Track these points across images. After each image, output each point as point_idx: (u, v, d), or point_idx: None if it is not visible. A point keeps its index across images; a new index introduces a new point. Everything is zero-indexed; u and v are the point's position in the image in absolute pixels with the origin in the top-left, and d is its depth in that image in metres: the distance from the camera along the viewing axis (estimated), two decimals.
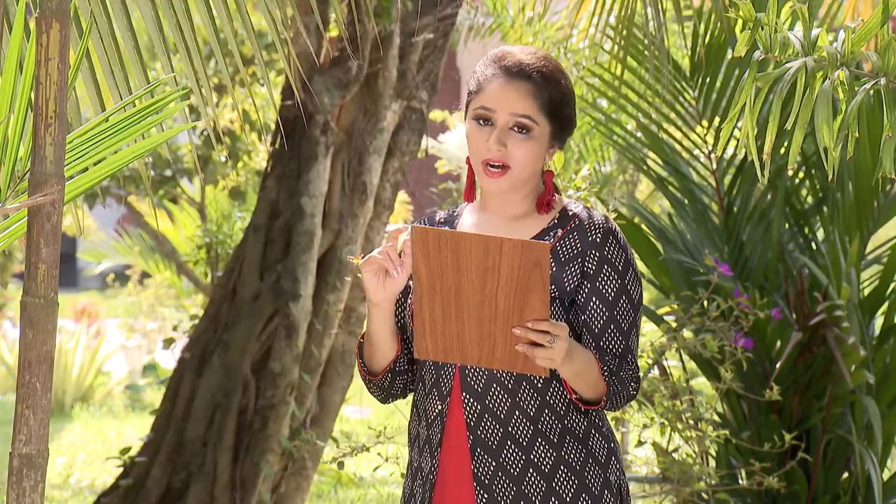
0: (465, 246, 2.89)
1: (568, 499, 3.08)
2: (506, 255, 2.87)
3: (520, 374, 3.07)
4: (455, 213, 3.29)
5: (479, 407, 3.10)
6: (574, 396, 3.09)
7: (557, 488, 3.09)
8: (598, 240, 3.12)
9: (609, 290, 3.11)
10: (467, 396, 3.11)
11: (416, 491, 3.19)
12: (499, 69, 3.14)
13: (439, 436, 3.13)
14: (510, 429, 3.10)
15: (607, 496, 3.12)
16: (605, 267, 3.11)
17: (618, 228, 3.16)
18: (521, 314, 2.91)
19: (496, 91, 3.12)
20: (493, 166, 3.10)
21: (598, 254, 3.12)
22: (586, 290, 3.12)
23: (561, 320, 3.10)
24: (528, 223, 3.18)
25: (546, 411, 3.10)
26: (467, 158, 3.22)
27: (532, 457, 3.09)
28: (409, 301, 3.19)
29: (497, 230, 3.16)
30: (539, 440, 3.10)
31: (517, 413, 3.09)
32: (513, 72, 3.13)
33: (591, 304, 3.11)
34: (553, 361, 2.93)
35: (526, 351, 2.91)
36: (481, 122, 3.12)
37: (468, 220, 3.24)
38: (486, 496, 3.09)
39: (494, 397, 3.10)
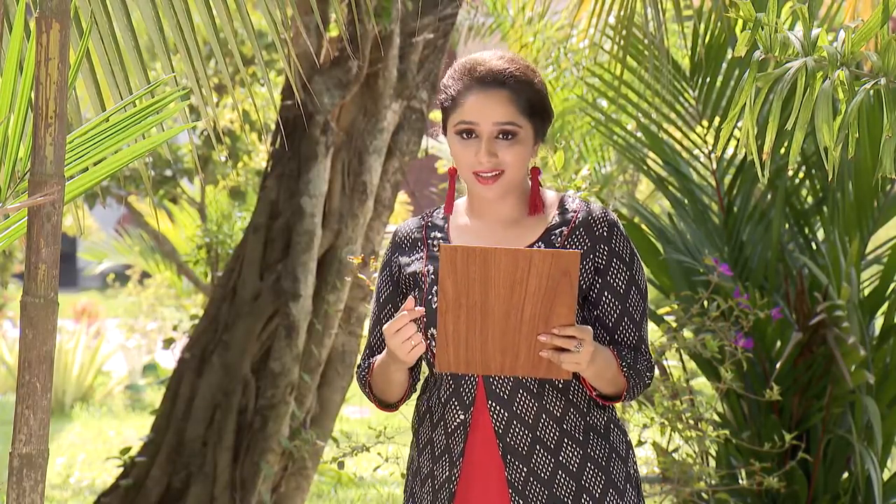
0: (493, 261, 2.88)
1: (597, 494, 3.09)
2: (535, 267, 2.87)
3: (543, 377, 3.07)
4: (442, 217, 3.25)
5: (506, 414, 3.10)
6: (594, 394, 3.10)
7: (587, 485, 3.10)
8: (604, 233, 3.13)
9: (620, 283, 3.12)
10: (494, 405, 3.10)
11: (426, 497, 3.18)
12: (472, 81, 3.11)
13: (462, 445, 3.12)
14: (538, 433, 3.10)
15: (629, 489, 3.14)
16: (615, 260, 3.12)
17: (618, 219, 3.17)
18: (546, 321, 2.90)
19: (474, 104, 3.10)
20: (484, 175, 3.10)
21: (606, 248, 3.12)
22: (598, 284, 3.12)
23: (580, 320, 3.10)
24: (530, 225, 3.17)
25: (571, 411, 3.11)
26: (450, 169, 3.21)
27: (560, 458, 3.10)
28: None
29: (496, 235, 3.15)
30: (566, 441, 3.10)
31: (544, 416, 3.10)
32: (487, 81, 3.10)
33: (604, 298, 3.12)
34: (579, 365, 2.94)
35: (552, 357, 2.92)
36: (464, 135, 3.11)
37: (461, 223, 3.21)
38: (521, 502, 3.09)
39: (521, 403, 3.10)
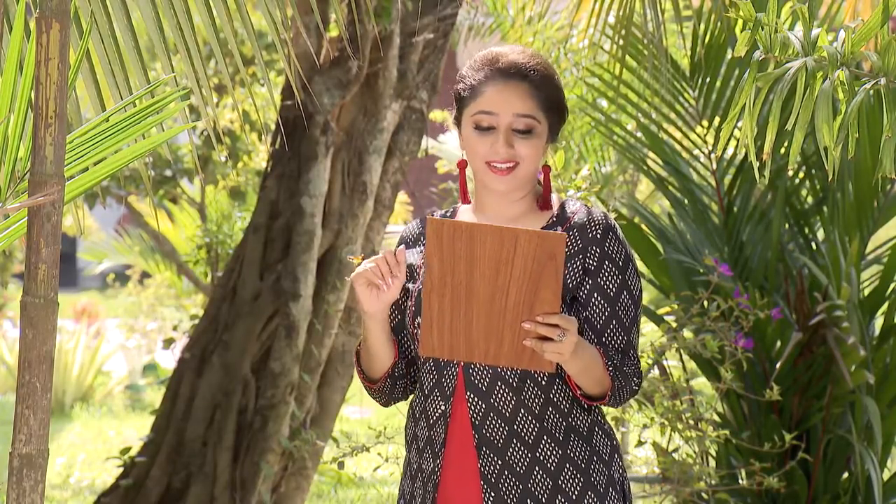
0: (479, 237, 2.87)
1: (574, 497, 3.09)
2: (521, 247, 2.86)
3: (524, 371, 3.07)
4: (450, 216, 3.28)
5: (483, 406, 3.10)
6: (578, 393, 3.09)
7: (563, 486, 3.09)
8: (598, 236, 3.13)
9: (610, 286, 3.12)
10: (472, 396, 3.11)
11: (417, 493, 3.19)
12: (493, 71, 3.13)
13: (443, 436, 3.13)
14: (515, 427, 3.10)
15: (612, 494, 3.13)
16: (606, 263, 3.12)
17: (616, 224, 3.17)
18: (531, 308, 2.89)
19: (495, 94, 3.12)
20: (497, 165, 3.11)
21: (598, 250, 3.12)
22: (588, 286, 3.12)
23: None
24: (527, 222, 3.17)
25: (551, 409, 3.10)
26: (459, 162, 3.22)
27: (538, 455, 3.09)
28: (409, 302, 3.19)
29: None
30: (545, 438, 3.10)
31: (522, 411, 3.10)
32: (510, 73, 3.13)
33: (593, 299, 3.11)
34: (562, 356, 2.93)
35: (535, 346, 2.91)
36: (482, 129, 3.12)
37: (465, 220, 3.23)
38: (492, 495, 3.09)
39: (499, 396, 3.10)
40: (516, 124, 3.11)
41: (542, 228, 3.16)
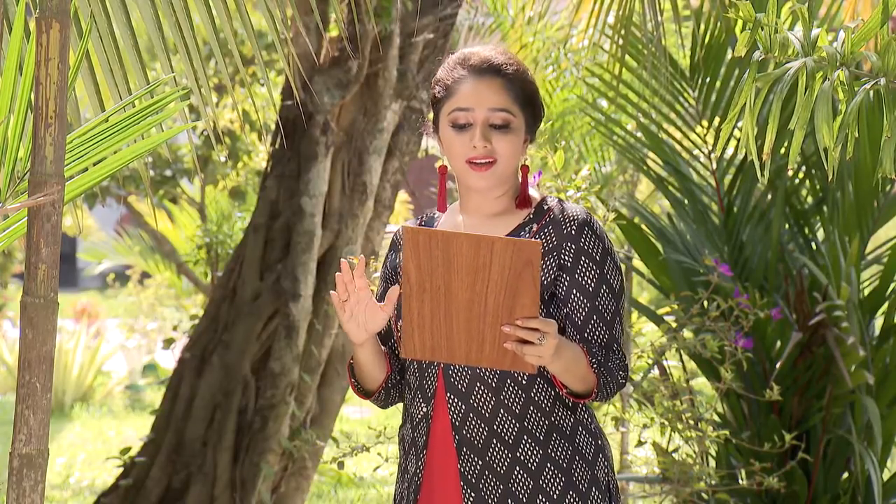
0: (455, 246, 2.89)
1: (555, 496, 3.09)
2: (497, 255, 2.87)
3: (504, 372, 3.08)
4: (434, 217, 3.29)
5: (463, 407, 3.11)
6: (564, 391, 3.09)
7: (544, 486, 3.09)
8: (573, 232, 3.13)
9: (588, 282, 3.11)
10: (452, 397, 3.12)
11: (403, 493, 3.21)
12: (466, 70, 3.15)
13: (425, 437, 3.14)
14: (495, 427, 3.10)
15: (595, 493, 3.12)
16: (583, 258, 3.12)
17: (594, 219, 3.16)
18: (510, 312, 2.90)
19: (469, 90, 3.13)
20: (477, 162, 3.11)
21: (574, 246, 3.12)
22: (566, 283, 3.12)
23: (545, 316, 3.10)
24: (505, 220, 3.19)
25: (532, 408, 3.10)
26: (440, 168, 3.23)
27: (518, 455, 3.09)
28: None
29: (475, 228, 3.17)
30: (525, 438, 3.10)
31: (502, 411, 3.10)
32: (482, 69, 3.15)
33: (573, 296, 3.11)
34: (542, 359, 2.93)
35: (515, 349, 2.91)
36: (459, 126, 3.13)
37: (448, 221, 3.26)
38: (473, 495, 3.09)
39: (479, 397, 3.11)
40: (492, 119, 3.12)
41: (519, 226, 3.17)
